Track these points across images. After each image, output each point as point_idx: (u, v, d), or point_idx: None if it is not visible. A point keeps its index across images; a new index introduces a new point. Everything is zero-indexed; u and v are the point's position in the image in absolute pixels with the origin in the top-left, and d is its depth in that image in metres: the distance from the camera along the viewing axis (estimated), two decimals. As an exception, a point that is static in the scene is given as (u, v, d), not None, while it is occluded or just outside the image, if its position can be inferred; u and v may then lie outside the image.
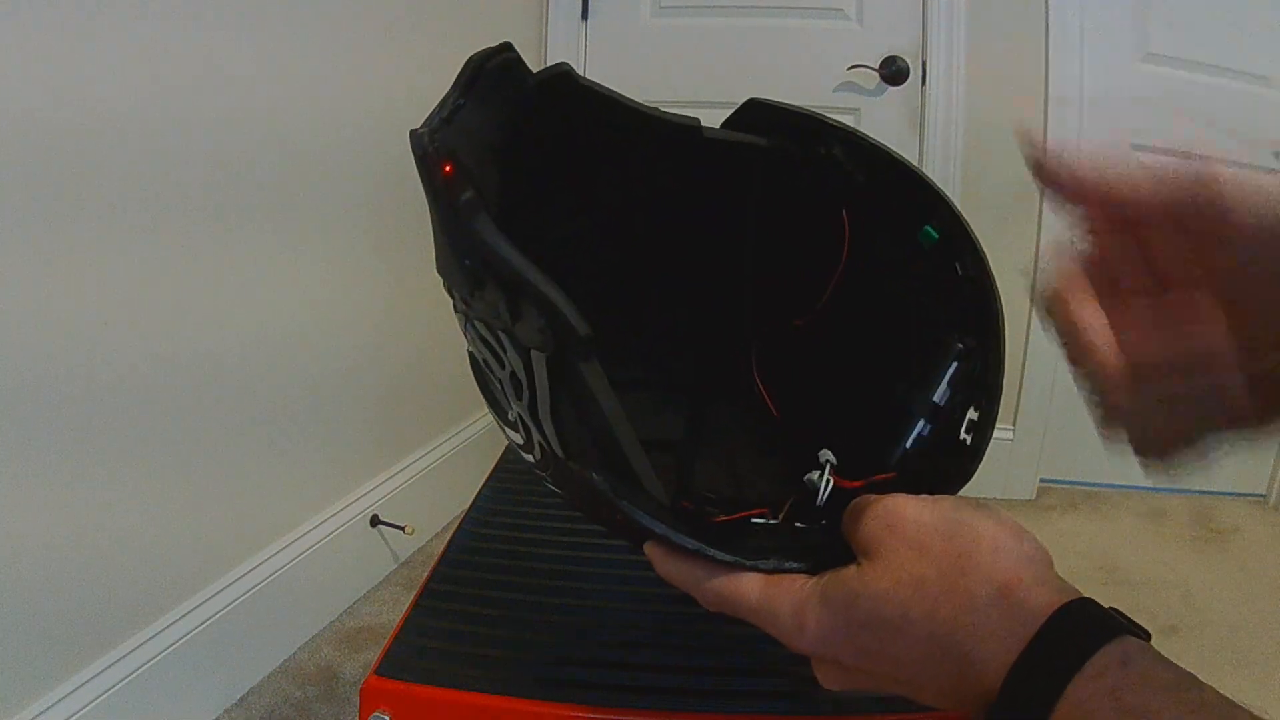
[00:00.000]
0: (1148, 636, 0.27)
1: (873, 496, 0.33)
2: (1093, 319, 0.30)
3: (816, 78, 1.77)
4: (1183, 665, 0.25)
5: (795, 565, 0.33)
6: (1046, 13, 1.64)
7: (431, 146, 0.35)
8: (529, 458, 0.41)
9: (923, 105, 1.74)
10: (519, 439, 0.41)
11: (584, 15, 1.87)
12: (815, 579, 0.32)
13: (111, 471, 0.94)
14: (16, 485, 0.84)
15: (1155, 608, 1.45)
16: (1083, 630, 0.26)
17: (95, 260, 0.89)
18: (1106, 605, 0.28)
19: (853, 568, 0.31)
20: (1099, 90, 1.66)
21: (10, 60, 0.77)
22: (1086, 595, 0.28)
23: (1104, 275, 0.30)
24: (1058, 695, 0.25)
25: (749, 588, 0.33)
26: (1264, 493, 1.87)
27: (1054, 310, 0.31)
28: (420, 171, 0.35)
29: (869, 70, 1.74)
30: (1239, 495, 1.88)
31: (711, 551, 0.34)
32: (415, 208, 0.35)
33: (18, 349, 0.82)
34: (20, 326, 0.82)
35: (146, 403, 0.97)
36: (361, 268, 1.35)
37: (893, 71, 1.71)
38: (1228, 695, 0.24)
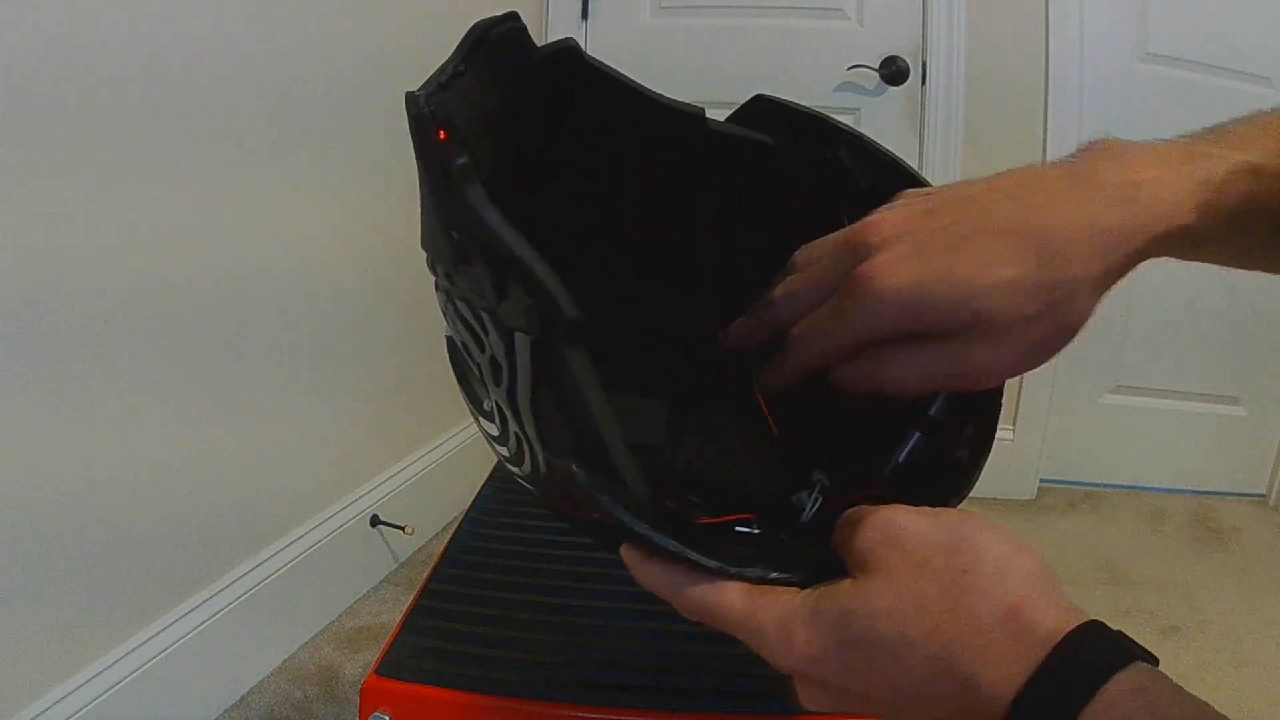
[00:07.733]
0: (1156, 662, 0.26)
1: (869, 508, 0.31)
2: None
3: (816, 78, 1.77)
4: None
5: (784, 576, 0.31)
6: (1046, 13, 1.64)
7: (427, 108, 0.33)
8: (503, 450, 0.40)
9: (923, 105, 1.73)
10: (494, 430, 0.40)
11: (584, 15, 1.87)
12: (806, 592, 0.30)
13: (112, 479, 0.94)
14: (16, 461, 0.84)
15: (1155, 608, 1.44)
16: (1095, 656, 0.25)
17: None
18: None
19: (847, 582, 0.29)
20: (1099, 90, 1.66)
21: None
22: (1093, 617, 0.27)
23: None
24: None
25: (732, 597, 0.31)
26: (1264, 493, 1.87)
27: None
28: (413, 134, 0.33)
29: (869, 70, 1.73)
30: (1239, 495, 1.88)
31: (693, 555, 0.31)
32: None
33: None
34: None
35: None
36: (360, 264, 1.35)
37: (893, 71, 1.71)
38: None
